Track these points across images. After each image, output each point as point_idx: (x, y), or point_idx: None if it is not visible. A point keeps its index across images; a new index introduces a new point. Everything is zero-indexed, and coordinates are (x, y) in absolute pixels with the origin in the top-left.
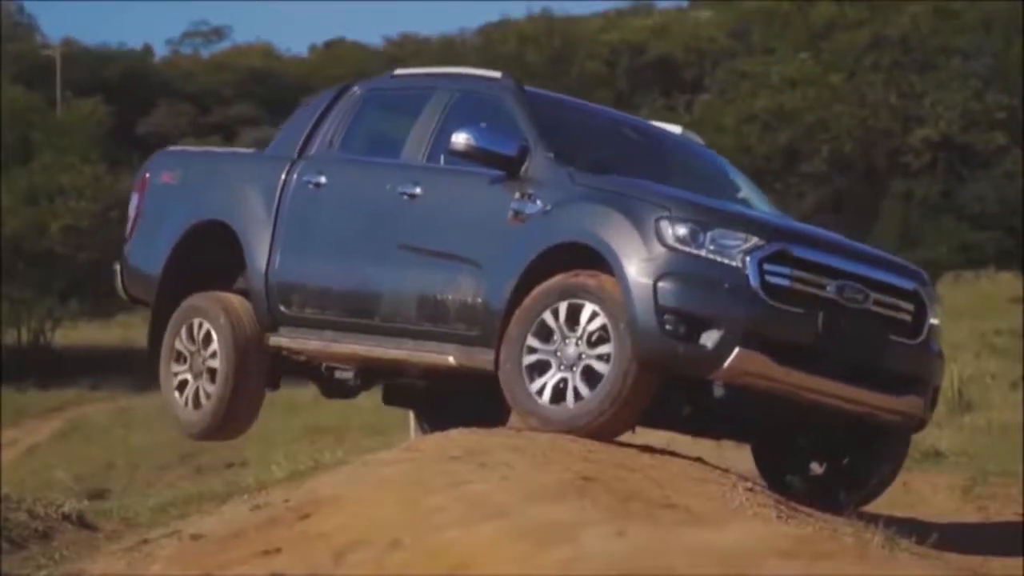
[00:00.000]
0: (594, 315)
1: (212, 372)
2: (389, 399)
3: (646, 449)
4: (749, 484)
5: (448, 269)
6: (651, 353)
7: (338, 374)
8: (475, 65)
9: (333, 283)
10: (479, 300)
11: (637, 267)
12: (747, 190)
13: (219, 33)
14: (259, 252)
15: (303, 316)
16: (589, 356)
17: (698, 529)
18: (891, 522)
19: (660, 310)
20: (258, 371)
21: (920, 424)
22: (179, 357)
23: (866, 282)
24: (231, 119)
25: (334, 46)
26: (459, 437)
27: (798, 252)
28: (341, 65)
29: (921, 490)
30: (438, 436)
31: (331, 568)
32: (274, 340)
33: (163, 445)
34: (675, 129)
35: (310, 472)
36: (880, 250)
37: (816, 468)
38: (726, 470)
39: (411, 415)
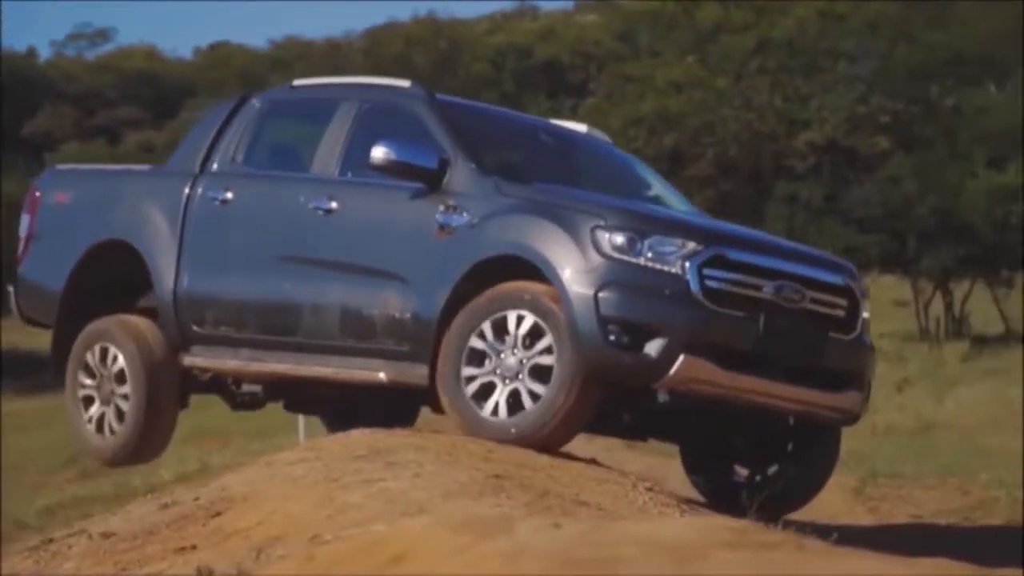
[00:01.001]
0: (534, 326)
1: (122, 398)
2: (292, 406)
3: (542, 450)
4: (648, 484)
5: (372, 285)
6: (596, 363)
7: (246, 388)
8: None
9: (248, 301)
10: (408, 315)
11: (576, 278)
12: (660, 188)
13: (103, 35)
14: (165, 271)
15: (217, 334)
16: (532, 357)
17: (630, 523)
18: (788, 523)
19: (603, 320)
20: (170, 393)
21: (855, 419)
22: (84, 384)
23: (801, 281)
24: (115, 121)
25: (218, 48)
26: (361, 437)
27: (734, 255)
28: (225, 67)
29: None
30: (340, 436)
31: (252, 563)
32: (188, 360)
33: (49, 448)
34: (581, 128)
35: (197, 474)
36: (808, 247)
37: (743, 471)
38: (623, 471)
39: (300, 418)
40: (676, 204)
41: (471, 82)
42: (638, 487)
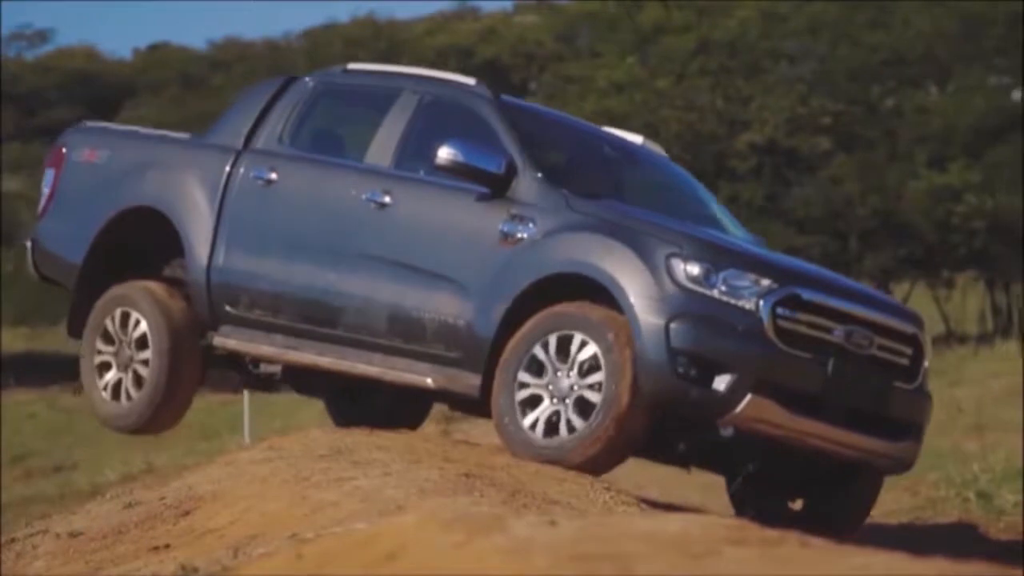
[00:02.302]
0: (591, 352)
1: (142, 364)
2: (301, 388)
3: (497, 449)
4: (604, 484)
5: (425, 286)
6: (661, 394)
7: (264, 368)
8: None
9: (288, 287)
10: (462, 322)
11: (648, 306)
12: (718, 211)
13: (43, 36)
14: (200, 245)
15: (250, 317)
16: (581, 388)
17: (628, 519)
18: None
19: (673, 351)
20: (191, 365)
21: (907, 469)
22: (102, 350)
23: (871, 326)
24: (56, 122)
25: (158, 49)
26: (320, 436)
27: (808, 295)
28: (164, 68)
29: None
30: (297, 435)
31: (231, 561)
32: (219, 340)
33: None
34: (636, 139)
35: (143, 474)
36: (875, 290)
37: (795, 503)
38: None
39: (245, 418)
40: (733, 229)
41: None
42: (595, 486)
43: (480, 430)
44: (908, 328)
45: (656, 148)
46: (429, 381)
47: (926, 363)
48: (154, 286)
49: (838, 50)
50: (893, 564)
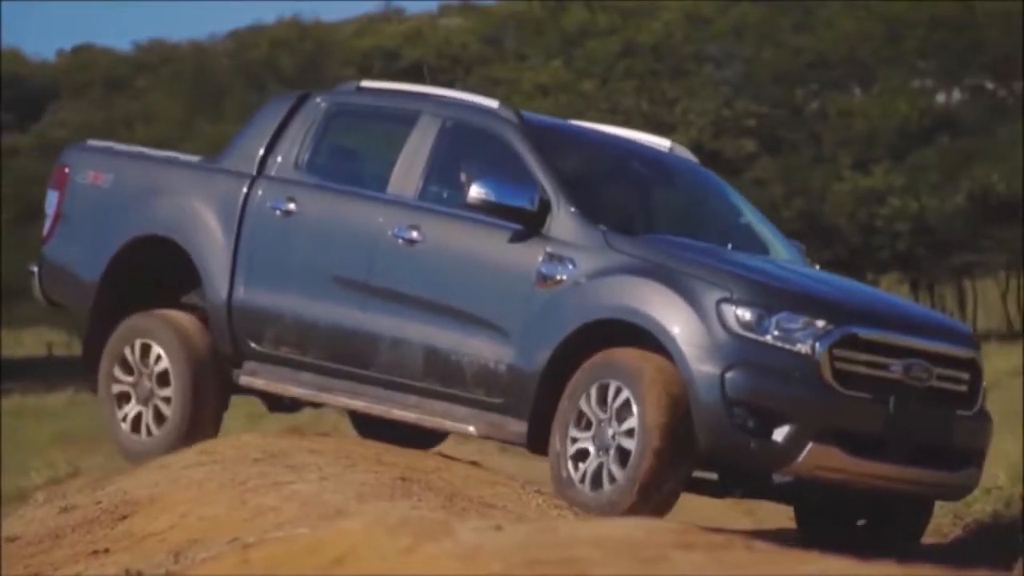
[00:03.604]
0: (624, 398)
1: (163, 400)
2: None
3: (428, 453)
4: (535, 487)
5: (461, 328)
6: (719, 447)
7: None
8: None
9: (315, 324)
10: (503, 367)
11: (701, 355)
12: (756, 223)
13: None
14: (219, 277)
15: (276, 354)
16: (619, 436)
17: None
18: None
19: (730, 402)
20: (215, 399)
21: (968, 494)
22: (120, 380)
23: (929, 356)
24: None
25: (82, 51)
26: (252, 440)
27: (865, 333)
28: (89, 70)
29: (686, 495)
30: (230, 439)
31: (172, 566)
32: (245, 380)
33: None
34: (664, 144)
35: (69, 479)
36: (932, 312)
37: (862, 520)
38: (508, 474)
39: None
40: (772, 241)
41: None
42: (526, 489)
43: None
44: (966, 353)
45: (685, 153)
46: (472, 429)
47: (984, 386)
48: (173, 315)
49: (762, 53)
50: (840, 568)
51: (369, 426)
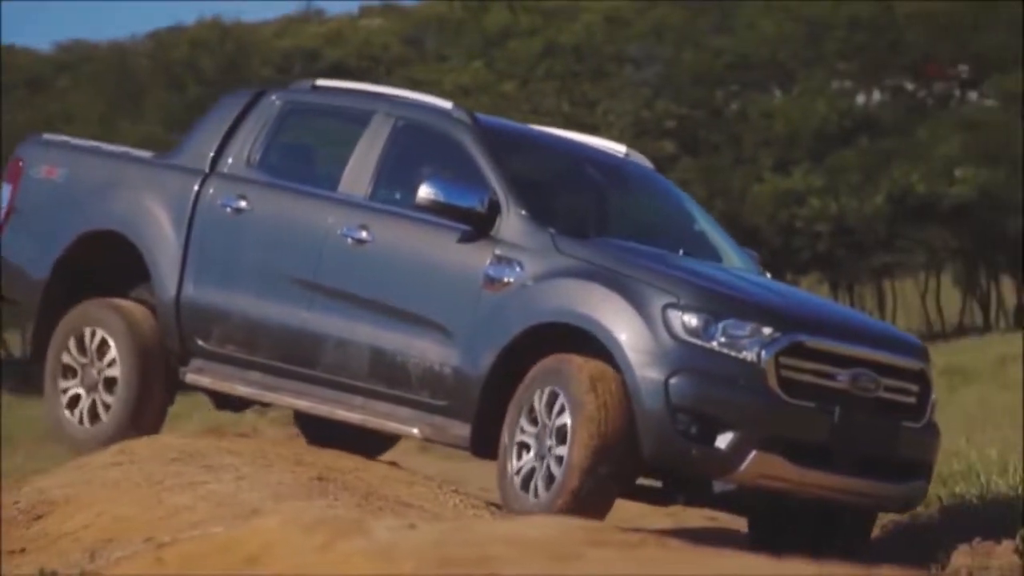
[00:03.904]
0: (561, 404)
1: (110, 384)
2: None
3: (345, 454)
4: (452, 487)
5: (408, 330)
6: (662, 454)
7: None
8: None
9: (263, 323)
10: (448, 370)
11: (645, 360)
12: (710, 230)
13: None
14: (168, 275)
15: (223, 352)
16: (556, 444)
17: (488, 523)
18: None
19: (673, 409)
20: (161, 386)
21: (915, 507)
22: (68, 370)
23: (876, 367)
24: None
25: (3, 51)
26: (169, 440)
27: (812, 342)
28: (10, 71)
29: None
30: (147, 440)
31: (88, 565)
32: (191, 377)
33: None
34: (619, 149)
35: None
36: (882, 323)
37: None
38: (427, 474)
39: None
40: (725, 248)
41: (259, 86)
42: (444, 489)
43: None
44: (914, 364)
45: (640, 159)
46: (416, 431)
47: (933, 398)
48: (122, 303)
49: (682, 54)
50: (750, 565)
51: (317, 433)
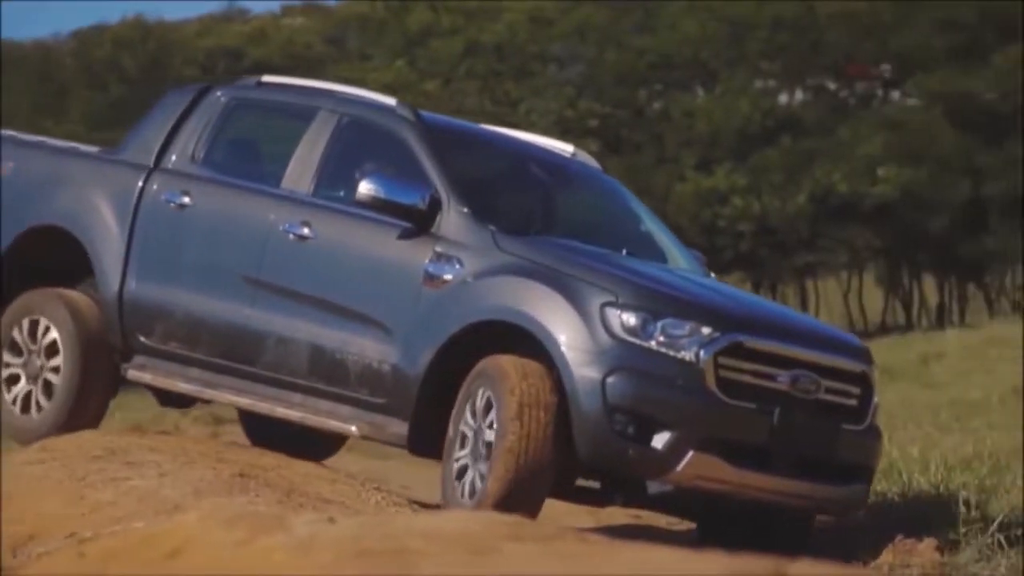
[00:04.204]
0: (484, 401)
1: (52, 372)
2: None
3: (267, 451)
4: (375, 485)
5: (348, 327)
6: (599, 454)
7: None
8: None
9: (204, 320)
10: (387, 367)
11: (582, 359)
12: (656, 231)
13: None
14: (111, 270)
15: (165, 348)
16: (483, 445)
17: (408, 517)
18: None
19: (610, 408)
20: (104, 375)
21: (856, 511)
22: (10, 363)
23: (818, 369)
24: None
25: None
26: (92, 437)
27: (751, 342)
28: None
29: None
30: (70, 437)
31: (11, 562)
32: (132, 374)
33: None
34: (567, 149)
35: None
36: (826, 325)
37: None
38: (349, 472)
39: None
40: (671, 249)
41: (181, 85)
42: (367, 486)
43: None
44: (856, 367)
45: (587, 159)
46: (354, 429)
47: (875, 401)
48: (66, 292)
49: (606, 53)
50: (668, 558)
51: (261, 435)
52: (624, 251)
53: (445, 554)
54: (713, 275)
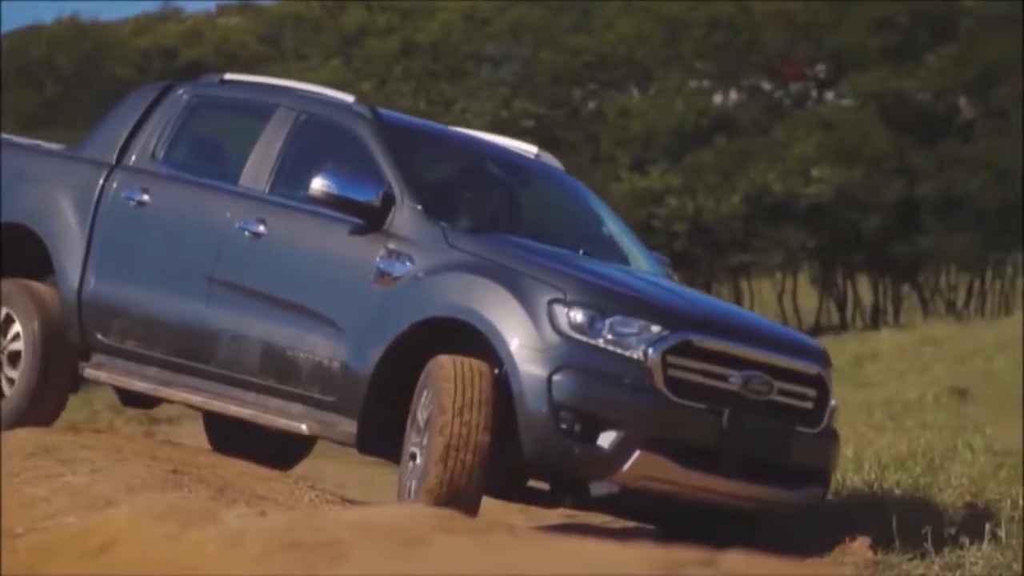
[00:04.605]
0: (429, 402)
1: (12, 360)
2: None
3: (201, 450)
4: (309, 483)
5: (299, 324)
6: (544, 453)
7: None
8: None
9: (160, 318)
10: (337, 365)
11: (528, 356)
12: (618, 233)
13: None
14: (71, 268)
15: (122, 347)
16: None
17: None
18: None
19: (555, 406)
20: (63, 373)
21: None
22: None
23: (771, 370)
24: None
25: None
26: (25, 435)
27: (702, 341)
28: None
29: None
30: (4, 435)
31: None
32: (89, 372)
33: None
34: (530, 151)
35: None
36: (783, 327)
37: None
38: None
39: None
40: (633, 251)
41: (117, 84)
42: (299, 484)
43: (184, 431)
44: (812, 369)
45: (551, 160)
46: (304, 427)
47: (832, 404)
48: (30, 283)
49: (541, 53)
50: (597, 550)
51: (224, 440)
52: (581, 251)
53: (374, 546)
54: (675, 278)
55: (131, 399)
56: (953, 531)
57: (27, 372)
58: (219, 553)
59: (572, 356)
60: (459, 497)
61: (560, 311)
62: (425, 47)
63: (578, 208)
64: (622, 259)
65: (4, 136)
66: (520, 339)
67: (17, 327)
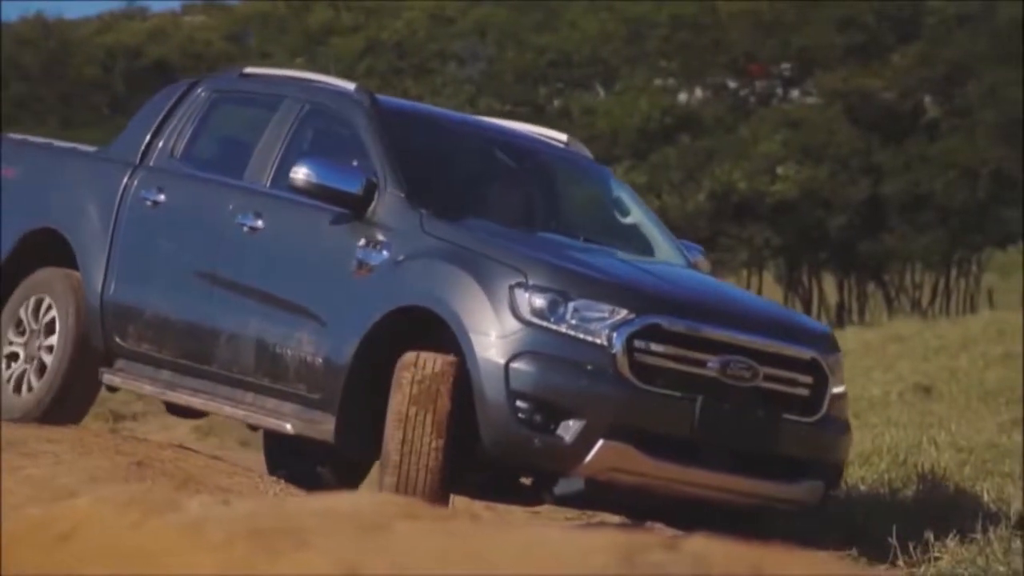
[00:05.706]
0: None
1: (47, 350)
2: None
3: (165, 445)
4: (274, 478)
5: (288, 320)
6: (502, 444)
7: None
8: None
9: (170, 319)
10: (320, 360)
11: (487, 343)
12: (636, 217)
13: None
14: (95, 272)
15: (139, 351)
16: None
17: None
18: None
19: (512, 395)
20: (96, 359)
21: (811, 508)
22: (12, 341)
23: (755, 355)
24: None
25: None
26: None
27: (673, 325)
28: None
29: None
30: None
31: None
32: (107, 377)
33: None
34: (560, 138)
35: None
36: (778, 308)
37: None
38: (247, 466)
39: None
40: (658, 240)
41: (82, 83)
42: (264, 478)
43: (148, 427)
44: (805, 353)
45: (580, 148)
46: (289, 426)
47: (835, 390)
48: (72, 273)
49: (506, 52)
50: (560, 536)
51: (280, 462)
52: (581, 238)
53: (336, 531)
54: (702, 267)
55: (176, 410)
56: (918, 526)
57: (58, 363)
58: (181, 540)
59: (532, 342)
60: (430, 491)
61: (521, 295)
62: (390, 45)
63: (597, 196)
64: (643, 248)
65: (30, 139)
66: (480, 326)
67: (53, 314)
